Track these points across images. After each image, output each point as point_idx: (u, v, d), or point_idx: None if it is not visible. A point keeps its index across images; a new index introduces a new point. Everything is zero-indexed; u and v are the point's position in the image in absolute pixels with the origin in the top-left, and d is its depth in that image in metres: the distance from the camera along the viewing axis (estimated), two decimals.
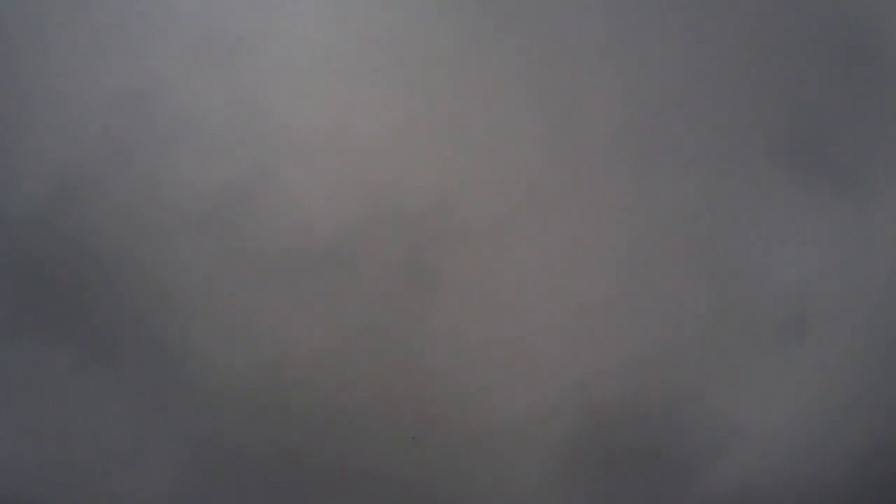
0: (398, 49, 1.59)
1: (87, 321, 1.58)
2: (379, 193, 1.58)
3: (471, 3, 1.60)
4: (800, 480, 1.62)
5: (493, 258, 1.58)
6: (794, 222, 1.64)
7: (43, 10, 1.58)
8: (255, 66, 1.59)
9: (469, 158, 1.58)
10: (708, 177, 1.62)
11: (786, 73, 1.64)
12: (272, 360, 1.57)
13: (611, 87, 1.61)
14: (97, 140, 1.58)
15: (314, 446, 1.57)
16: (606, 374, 1.58)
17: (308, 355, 1.57)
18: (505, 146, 1.58)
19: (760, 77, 1.63)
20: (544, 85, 1.60)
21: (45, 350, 1.56)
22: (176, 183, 1.57)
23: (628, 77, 1.61)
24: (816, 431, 1.62)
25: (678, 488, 1.61)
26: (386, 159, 1.58)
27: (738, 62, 1.62)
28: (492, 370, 1.58)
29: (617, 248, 1.59)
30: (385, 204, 1.58)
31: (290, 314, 1.57)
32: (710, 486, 1.61)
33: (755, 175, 1.62)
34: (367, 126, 1.58)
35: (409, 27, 1.59)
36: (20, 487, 1.54)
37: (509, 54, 1.60)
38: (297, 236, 1.57)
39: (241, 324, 1.58)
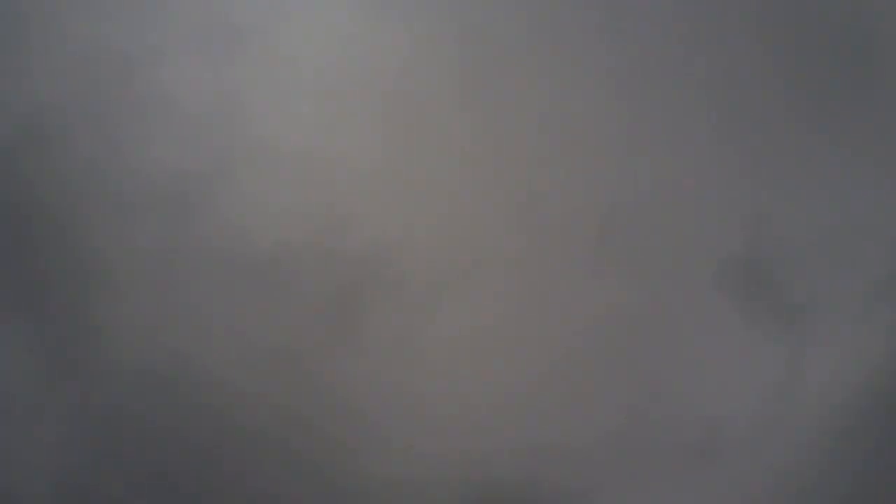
0: (384, 88, 1.59)
1: (18, 270, 1.58)
2: (327, 224, 1.58)
3: (465, 57, 1.61)
4: None
5: (421, 315, 1.57)
6: (727, 352, 1.63)
7: None
8: (245, 66, 1.59)
9: (423, 212, 1.58)
10: (652, 291, 1.61)
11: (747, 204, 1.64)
12: (183, 356, 1.57)
13: (572, 178, 1.61)
14: (70, 93, 1.58)
15: (203, 450, 1.56)
16: (505, 457, 1.57)
17: (222, 359, 1.57)
18: (461, 208, 1.59)
19: (722, 192, 1.64)
20: (512, 160, 1.60)
21: None
22: (139, 157, 1.57)
23: (589, 171, 1.61)
24: None
25: None
26: (343, 192, 1.58)
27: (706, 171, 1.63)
28: (393, 423, 1.57)
29: (547, 335, 1.59)
30: (330, 236, 1.57)
31: (214, 315, 1.57)
32: None
33: (698, 299, 1.62)
34: (335, 155, 1.58)
35: (399, 68, 1.60)
36: None
37: (487, 121, 1.60)
38: (239, 243, 1.57)
39: (164, 313, 1.57)
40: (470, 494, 1.57)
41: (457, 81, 1.60)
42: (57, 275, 1.56)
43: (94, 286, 1.56)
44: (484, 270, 1.58)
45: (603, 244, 1.59)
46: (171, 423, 1.56)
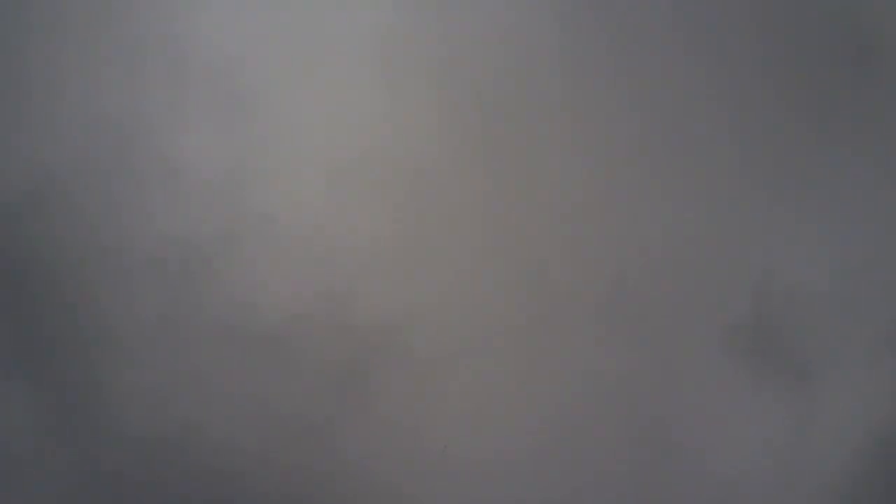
0: (391, 161, 1.59)
1: (21, 335, 1.57)
2: (335, 295, 1.57)
3: (477, 137, 1.60)
4: None
5: (429, 384, 1.57)
6: (737, 411, 1.63)
7: (53, 22, 1.58)
8: (251, 136, 1.58)
9: (430, 283, 1.57)
10: (661, 355, 1.61)
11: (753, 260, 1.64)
12: (190, 423, 1.56)
13: (579, 245, 1.60)
14: (74, 160, 1.57)
15: None
16: None
17: (229, 426, 1.56)
18: (468, 279, 1.58)
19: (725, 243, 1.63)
20: (518, 230, 1.60)
21: None
22: (142, 225, 1.56)
23: (595, 238, 1.60)
24: None
25: None
26: (350, 265, 1.57)
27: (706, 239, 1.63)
28: (404, 489, 1.56)
29: (556, 401, 1.58)
30: (338, 307, 1.57)
31: (221, 383, 1.56)
32: None
33: (707, 361, 1.62)
34: (342, 228, 1.57)
35: (406, 141, 1.59)
36: None
37: (492, 192, 1.59)
38: (245, 313, 1.56)
39: (169, 380, 1.56)
40: None
41: (462, 154, 1.60)
42: (61, 340, 1.56)
43: (99, 353, 1.55)
44: (492, 339, 1.58)
45: (610, 310, 1.58)
46: (177, 490, 1.55)
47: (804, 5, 1.63)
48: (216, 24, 1.58)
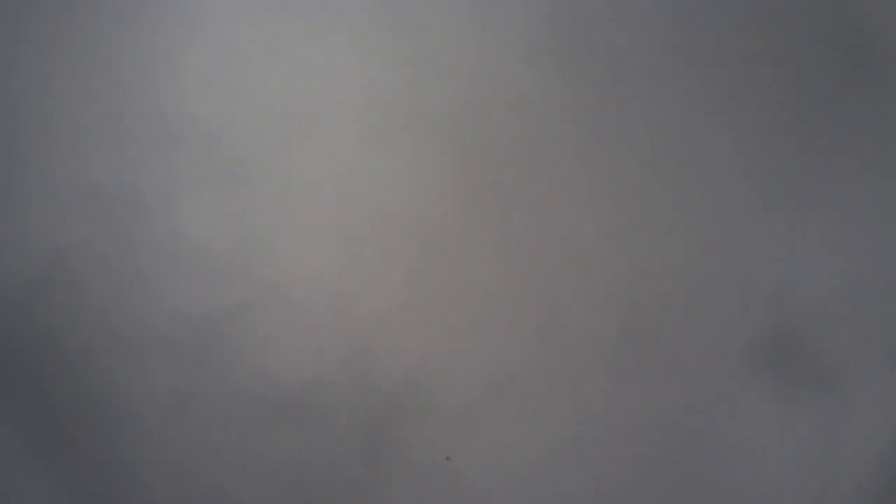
0: (401, 220, 1.58)
1: (42, 412, 1.56)
2: (353, 357, 1.56)
3: (487, 192, 1.59)
4: None
5: (454, 438, 1.56)
6: (766, 430, 1.62)
7: (41, 98, 1.56)
8: (259, 203, 1.57)
9: (449, 340, 1.57)
10: (683, 384, 1.60)
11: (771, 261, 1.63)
12: (217, 496, 1.55)
13: (590, 285, 1.59)
14: (80, 238, 1.56)
15: None
16: None
17: (254, 498, 1.55)
18: (487, 334, 1.57)
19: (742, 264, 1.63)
20: (535, 283, 1.59)
21: None
22: (154, 297, 1.55)
23: (606, 276, 1.60)
24: None
25: None
26: (367, 325, 1.56)
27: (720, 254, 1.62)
28: None
29: (584, 449, 1.57)
30: (357, 369, 1.56)
31: (246, 454, 1.55)
32: None
33: (730, 382, 1.61)
34: (355, 290, 1.56)
35: (418, 201, 1.58)
36: None
37: (502, 244, 1.59)
38: (264, 383, 1.55)
39: (193, 454, 1.55)
40: None
41: (471, 208, 1.59)
42: (79, 426, 1.55)
43: (119, 434, 1.54)
44: (512, 388, 1.57)
45: (627, 345, 1.58)
46: None
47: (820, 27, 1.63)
48: (207, 90, 1.58)
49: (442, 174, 1.58)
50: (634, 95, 1.59)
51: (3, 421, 1.55)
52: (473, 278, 1.57)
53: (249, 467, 1.55)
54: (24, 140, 1.57)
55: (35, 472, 1.55)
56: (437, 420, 1.56)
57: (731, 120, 1.61)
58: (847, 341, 1.61)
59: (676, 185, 1.60)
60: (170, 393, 1.55)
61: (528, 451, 1.57)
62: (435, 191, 1.58)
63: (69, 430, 1.56)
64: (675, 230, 1.60)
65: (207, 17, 1.58)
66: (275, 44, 1.58)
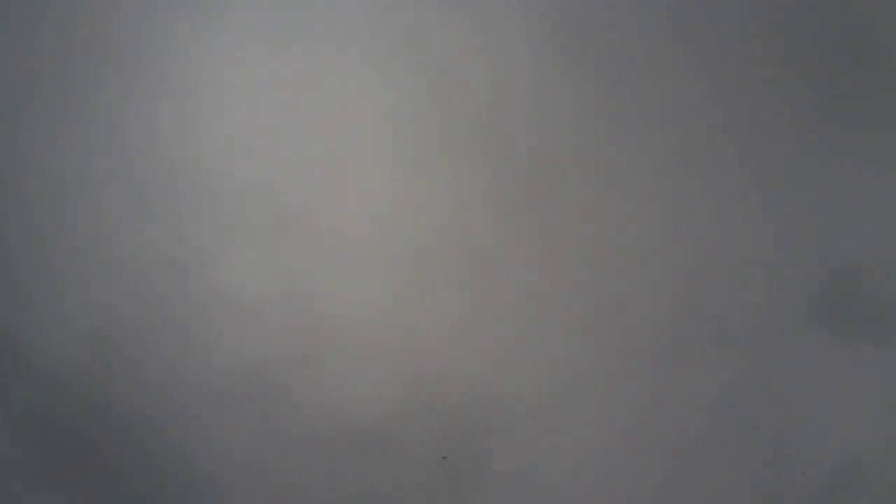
0: (446, 240, 1.58)
1: (107, 482, 1.55)
2: (421, 384, 1.56)
3: (520, 199, 1.59)
4: None
5: (535, 449, 1.56)
6: (834, 387, 1.62)
7: (81, 172, 1.57)
8: (297, 247, 1.57)
9: (509, 349, 1.57)
10: (752, 350, 1.60)
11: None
12: None
13: (642, 281, 1.60)
14: (131, 308, 1.56)
15: None
16: None
17: None
18: (544, 337, 1.57)
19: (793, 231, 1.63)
20: (581, 279, 1.59)
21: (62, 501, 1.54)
22: (205, 360, 1.56)
23: (655, 267, 1.60)
24: None
25: None
26: (430, 350, 1.56)
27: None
28: None
29: (658, 435, 1.57)
30: (427, 395, 1.56)
31: (326, 493, 1.55)
32: None
33: (798, 342, 1.61)
34: (412, 315, 1.56)
35: (456, 218, 1.59)
36: None
37: (555, 251, 1.59)
38: (334, 423, 1.55)
39: (273, 499, 1.55)
40: None
41: (510, 220, 1.60)
42: (153, 490, 1.54)
43: (195, 491, 1.53)
44: (579, 385, 1.57)
45: (684, 323, 1.57)
46: None
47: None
48: (236, 148, 1.58)
49: (474, 187, 1.58)
50: (651, 83, 1.60)
51: (72, 495, 1.55)
52: (521, 285, 1.58)
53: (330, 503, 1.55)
54: (53, 219, 1.57)
55: None
56: (513, 430, 1.56)
57: (766, 93, 1.62)
58: None
59: (712, 159, 1.61)
60: (241, 449, 1.55)
61: (605, 442, 1.57)
62: (471, 205, 1.58)
63: (144, 492, 1.55)
64: (713, 204, 1.60)
65: (230, 78, 1.58)
66: (296, 90, 1.59)
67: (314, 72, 1.58)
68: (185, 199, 1.57)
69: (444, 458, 1.53)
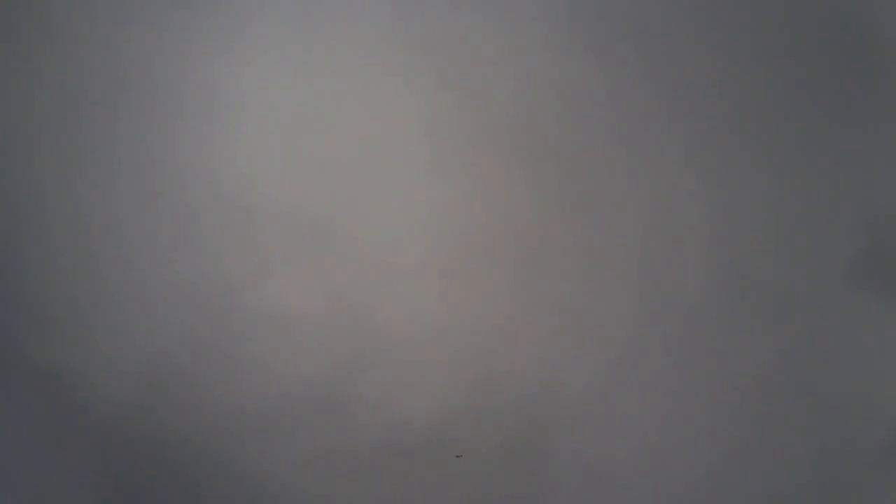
0: (492, 239, 1.60)
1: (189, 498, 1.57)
2: (481, 384, 1.57)
3: (557, 190, 1.60)
4: None
5: (596, 435, 1.57)
6: (887, 343, 1.62)
7: (120, 203, 1.59)
8: (343, 259, 1.58)
9: (565, 341, 1.58)
10: (796, 323, 1.61)
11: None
12: None
13: (686, 260, 1.61)
14: (180, 335, 1.57)
15: None
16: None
17: None
18: (598, 326, 1.59)
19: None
20: (626, 265, 1.61)
21: None
22: (263, 376, 1.57)
23: (697, 244, 1.61)
24: None
25: None
26: (486, 350, 1.57)
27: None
28: None
29: (713, 410, 1.59)
30: (488, 393, 1.57)
31: (392, 497, 1.56)
32: None
33: (840, 305, 1.61)
34: (466, 316, 1.57)
35: (500, 216, 1.60)
36: None
37: (597, 239, 1.60)
38: (394, 432, 1.56)
39: None
40: None
41: (549, 209, 1.61)
42: (225, 499, 1.55)
43: (263, 500, 1.54)
44: (636, 371, 1.59)
45: (731, 297, 1.59)
46: None
47: None
48: (279, 168, 1.59)
49: (511, 184, 1.60)
50: (675, 60, 1.61)
51: None
52: (568, 275, 1.59)
53: None
54: (109, 248, 1.58)
55: None
56: (572, 418, 1.57)
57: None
58: None
59: (747, 134, 1.62)
60: (305, 461, 1.56)
61: (662, 421, 1.57)
62: (509, 201, 1.59)
63: None
64: (750, 176, 1.61)
65: (259, 102, 1.59)
66: (323, 106, 1.60)
67: (339, 87, 1.60)
68: (227, 223, 1.58)
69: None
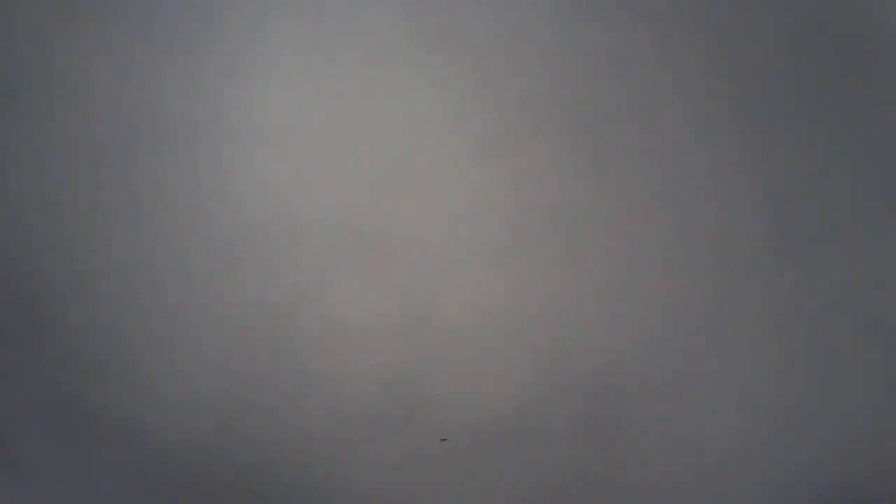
0: (545, 221, 1.61)
1: None
2: (553, 362, 1.58)
3: (602, 169, 1.63)
4: None
5: (670, 400, 1.59)
6: None
7: (157, 249, 1.58)
8: (398, 265, 1.59)
9: (631, 315, 1.60)
10: (848, 252, 1.63)
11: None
12: None
13: (745, 215, 1.64)
14: (238, 367, 1.56)
15: None
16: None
17: None
18: (660, 295, 1.61)
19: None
20: (682, 228, 1.63)
21: None
22: (329, 397, 1.57)
23: (759, 202, 1.64)
24: None
25: None
26: (549, 332, 1.59)
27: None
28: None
29: (784, 356, 1.61)
30: (556, 373, 1.58)
31: (479, 495, 1.57)
32: None
33: (884, 234, 1.65)
34: (529, 303, 1.59)
35: (549, 197, 1.62)
36: None
37: (645, 206, 1.63)
38: (470, 426, 1.57)
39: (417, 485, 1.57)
40: None
41: (605, 188, 1.63)
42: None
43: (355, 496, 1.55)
44: (704, 343, 1.61)
45: (784, 249, 1.62)
46: None
47: None
48: (335, 190, 1.60)
49: (551, 162, 1.61)
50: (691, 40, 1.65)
51: None
52: (618, 247, 1.61)
53: (483, 493, 1.57)
54: (150, 295, 1.57)
55: None
56: (645, 390, 1.59)
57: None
58: None
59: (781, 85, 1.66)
60: (386, 471, 1.56)
61: (735, 376, 1.60)
62: (548, 179, 1.61)
63: None
64: (790, 133, 1.65)
65: (286, 121, 1.60)
66: (352, 109, 1.61)
67: (357, 90, 1.60)
68: (267, 248, 1.58)
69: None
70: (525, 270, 1.59)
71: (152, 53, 1.58)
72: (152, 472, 1.53)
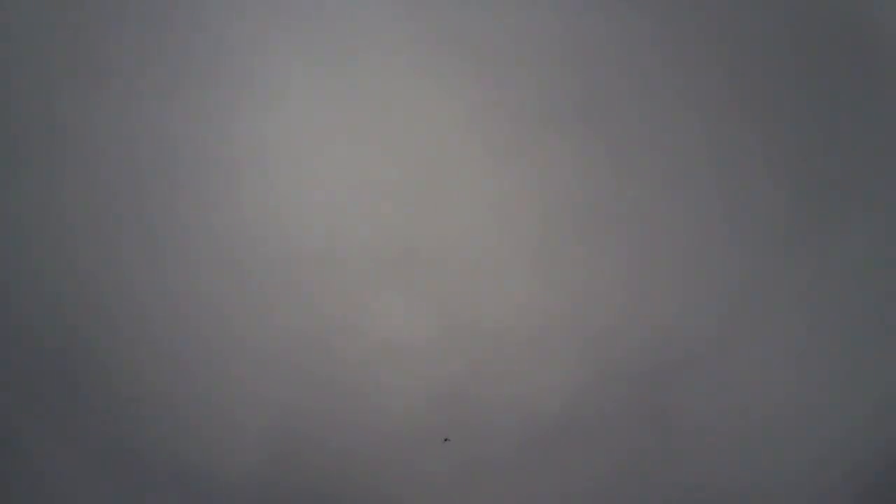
0: (577, 210, 1.62)
1: None
2: (597, 356, 1.60)
3: (617, 159, 1.65)
4: None
5: (723, 384, 1.60)
6: None
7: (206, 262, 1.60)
8: (437, 276, 1.60)
9: (673, 298, 1.61)
10: (879, 217, 1.65)
11: None
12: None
13: (767, 187, 1.65)
14: (289, 398, 1.57)
15: None
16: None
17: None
18: (694, 273, 1.62)
19: None
20: (714, 206, 1.65)
21: None
22: (386, 412, 1.57)
23: (778, 171, 1.66)
24: None
25: None
26: (593, 323, 1.60)
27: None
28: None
29: (828, 314, 1.62)
30: (605, 363, 1.59)
31: (535, 495, 1.58)
32: None
33: None
34: (569, 300, 1.60)
35: (577, 187, 1.63)
36: None
37: (675, 189, 1.65)
38: (527, 425, 1.58)
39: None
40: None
41: (628, 182, 1.65)
42: None
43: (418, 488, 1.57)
44: (748, 331, 1.62)
45: (812, 225, 1.63)
46: None
47: None
48: (342, 200, 1.61)
49: (565, 157, 1.62)
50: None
51: None
52: (652, 235, 1.62)
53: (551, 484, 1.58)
54: (198, 337, 1.58)
55: None
56: (698, 373, 1.60)
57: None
58: None
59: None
60: (450, 477, 1.56)
61: (789, 351, 1.60)
62: (573, 168, 1.62)
63: None
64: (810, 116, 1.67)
65: (308, 142, 1.60)
66: (365, 118, 1.61)
67: (377, 103, 1.61)
68: (313, 269, 1.59)
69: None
70: (556, 267, 1.60)
71: (157, 88, 1.59)
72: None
